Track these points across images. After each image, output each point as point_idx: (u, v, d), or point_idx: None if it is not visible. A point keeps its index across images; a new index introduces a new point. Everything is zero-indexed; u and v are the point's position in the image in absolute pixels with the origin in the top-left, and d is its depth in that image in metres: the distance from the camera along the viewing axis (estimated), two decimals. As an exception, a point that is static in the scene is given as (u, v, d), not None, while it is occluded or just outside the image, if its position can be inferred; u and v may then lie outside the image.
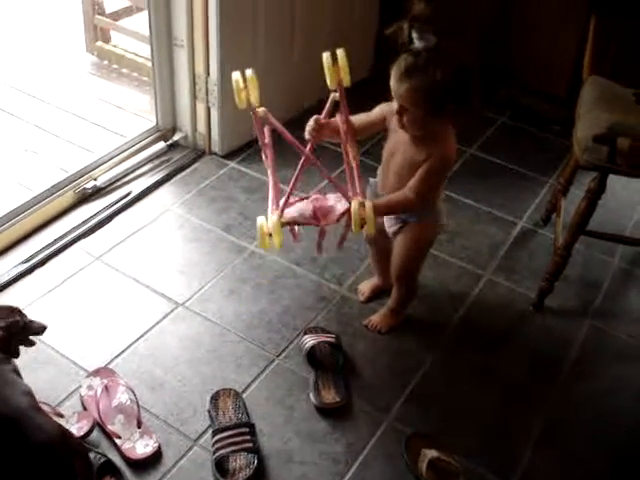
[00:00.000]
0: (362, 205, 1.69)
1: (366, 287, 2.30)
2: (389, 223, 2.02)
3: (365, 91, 2.21)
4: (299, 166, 1.80)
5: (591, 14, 2.32)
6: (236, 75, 1.71)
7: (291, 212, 1.79)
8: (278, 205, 1.77)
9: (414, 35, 1.67)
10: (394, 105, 1.76)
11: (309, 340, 2.07)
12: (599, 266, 2.52)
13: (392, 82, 1.72)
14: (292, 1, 2.82)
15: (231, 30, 2.60)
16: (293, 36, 2.90)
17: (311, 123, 1.83)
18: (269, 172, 1.84)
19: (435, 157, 1.79)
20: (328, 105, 1.83)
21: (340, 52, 1.71)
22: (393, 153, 1.90)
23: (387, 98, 1.79)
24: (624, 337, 2.26)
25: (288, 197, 1.78)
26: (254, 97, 1.74)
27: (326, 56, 1.72)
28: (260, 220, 1.72)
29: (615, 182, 2.23)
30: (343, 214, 1.77)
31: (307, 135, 1.83)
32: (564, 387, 2.09)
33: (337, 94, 1.78)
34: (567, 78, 3.07)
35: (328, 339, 2.09)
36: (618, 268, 2.52)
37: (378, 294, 2.28)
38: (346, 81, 1.74)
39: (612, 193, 2.32)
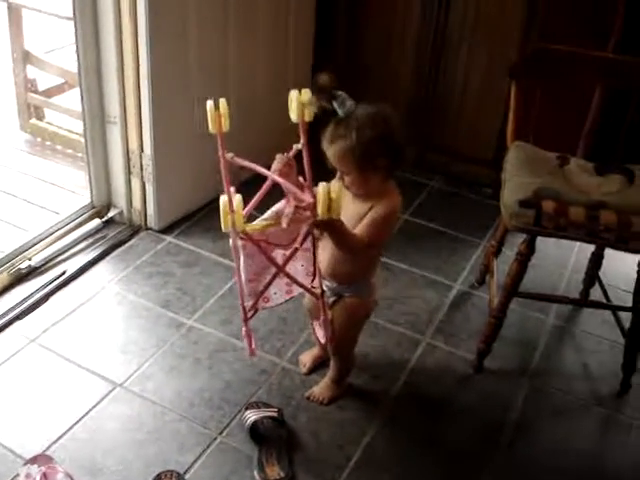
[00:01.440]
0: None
1: (307, 358, 2.30)
2: (327, 293, 2.02)
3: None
4: (263, 187, 1.78)
5: (511, 82, 2.41)
6: (210, 103, 1.73)
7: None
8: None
9: (335, 104, 1.74)
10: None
11: (251, 415, 2.06)
12: (534, 325, 2.57)
13: (324, 148, 1.81)
14: (225, 74, 2.87)
15: (164, 105, 2.63)
16: (229, 106, 2.92)
17: (279, 158, 1.80)
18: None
19: (378, 207, 1.84)
20: (292, 151, 1.79)
21: (306, 92, 1.72)
22: (342, 215, 1.91)
23: (323, 161, 1.84)
24: (562, 394, 2.30)
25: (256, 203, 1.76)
26: (225, 124, 1.75)
27: (294, 92, 1.72)
28: (223, 198, 1.63)
29: (547, 242, 2.30)
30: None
31: (274, 167, 1.79)
32: (508, 450, 2.11)
33: (299, 145, 1.76)
34: (493, 142, 3.17)
35: (270, 413, 2.07)
36: (552, 326, 2.58)
37: (319, 364, 2.28)
38: (308, 115, 1.73)
39: (544, 252, 2.39)
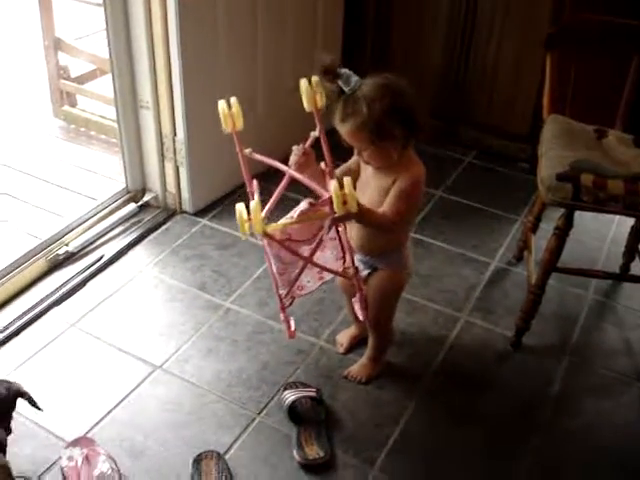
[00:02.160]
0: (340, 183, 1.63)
1: (344, 338, 2.30)
2: (360, 267, 2.02)
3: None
4: (282, 184, 1.82)
5: (546, 53, 2.37)
6: (222, 103, 1.77)
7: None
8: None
9: (340, 82, 1.75)
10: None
11: (290, 395, 2.06)
12: (574, 301, 2.54)
13: (336, 127, 1.81)
14: (254, 58, 2.87)
15: (195, 89, 2.63)
16: (256, 91, 2.93)
17: (295, 150, 1.84)
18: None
19: (402, 179, 1.83)
20: (310, 140, 1.84)
21: (314, 78, 1.75)
22: (364, 189, 1.93)
23: (342, 144, 1.84)
24: (603, 371, 2.27)
25: (274, 202, 1.80)
26: (239, 123, 1.79)
27: (304, 81, 1.75)
28: (239, 206, 1.68)
29: (584, 216, 2.26)
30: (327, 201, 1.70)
31: (292, 160, 1.84)
32: (547, 425, 2.10)
33: (316, 132, 1.80)
34: (529, 116, 3.13)
35: (309, 393, 2.08)
36: (592, 301, 2.55)
37: (356, 344, 2.28)
38: (320, 101, 1.77)
39: (582, 227, 2.35)
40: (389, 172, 1.86)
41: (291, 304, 1.89)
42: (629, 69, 2.56)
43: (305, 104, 1.76)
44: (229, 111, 1.77)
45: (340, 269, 1.89)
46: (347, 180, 1.59)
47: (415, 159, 1.88)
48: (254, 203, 1.63)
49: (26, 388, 1.83)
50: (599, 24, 2.34)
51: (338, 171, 1.93)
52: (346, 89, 1.75)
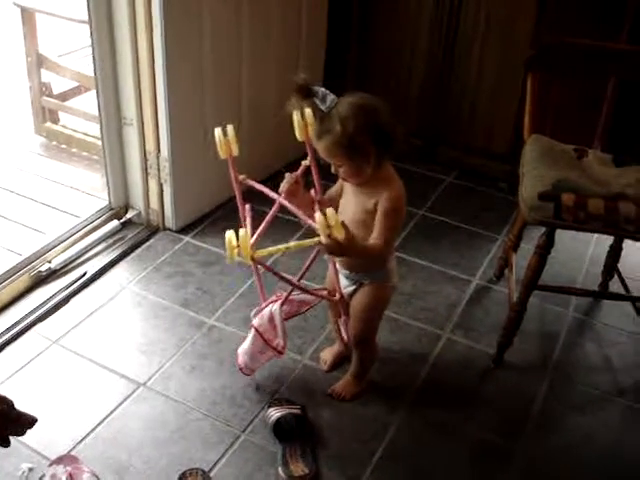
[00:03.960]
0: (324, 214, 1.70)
1: (328, 355, 2.31)
2: (344, 284, 2.06)
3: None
4: (272, 210, 1.91)
5: (527, 75, 2.41)
6: (218, 130, 1.85)
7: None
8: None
9: (316, 101, 1.80)
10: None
11: (274, 413, 2.06)
12: (554, 318, 2.57)
13: (314, 144, 1.86)
14: (239, 75, 2.89)
15: (180, 106, 2.64)
16: (240, 108, 2.95)
17: (287, 177, 1.90)
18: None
19: (383, 199, 1.86)
20: (301, 169, 1.91)
21: (308, 111, 1.82)
22: (347, 208, 1.97)
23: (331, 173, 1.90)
24: (584, 388, 2.30)
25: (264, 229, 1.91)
26: (235, 149, 1.86)
27: (296, 113, 1.82)
28: (228, 233, 1.74)
29: (564, 234, 2.29)
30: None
31: (282, 187, 1.90)
32: (530, 442, 2.11)
33: (307, 161, 1.89)
34: (509, 136, 3.18)
35: (293, 410, 2.08)
36: (572, 319, 2.58)
37: (340, 361, 2.29)
38: (312, 133, 1.84)
39: (560, 245, 2.38)
40: (369, 191, 1.88)
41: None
42: (606, 90, 2.62)
43: (297, 134, 1.84)
44: (224, 138, 1.84)
45: (325, 293, 2.00)
46: (330, 211, 1.65)
47: (394, 176, 1.91)
48: (243, 232, 1.70)
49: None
50: (577, 47, 2.38)
51: (326, 195, 1.99)
52: (322, 107, 1.79)
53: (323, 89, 1.79)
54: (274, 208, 1.91)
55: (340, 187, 2.01)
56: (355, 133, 1.77)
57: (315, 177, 1.88)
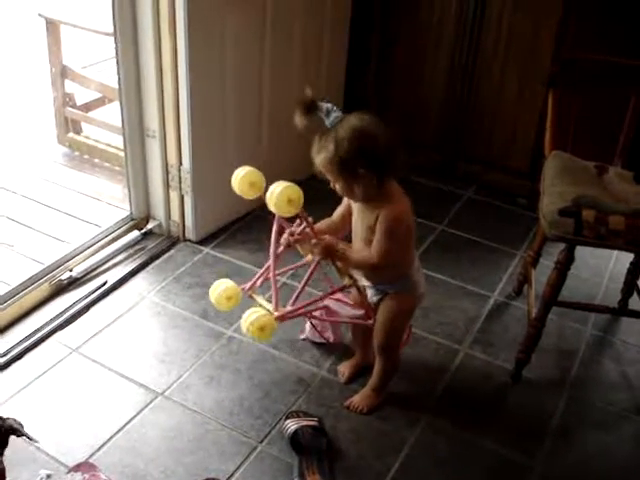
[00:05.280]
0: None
1: (346, 367, 2.31)
2: (371, 293, 2.09)
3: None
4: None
5: (548, 91, 2.41)
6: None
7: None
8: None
9: (321, 115, 1.84)
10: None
11: (291, 425, 2.07)
12: (573, 335, 2.56)
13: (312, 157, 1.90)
14: (260, 90, 2.91)
15: (202, 119, 2.66)
16: (261, 123, 2.97)
17: (286, 237, 1.99)
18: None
19: (382, 218, 1.89)
20: (301, 228, 1.97)
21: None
22: (356, 226, 2.02)
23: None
24: (602, 405, 2.29)
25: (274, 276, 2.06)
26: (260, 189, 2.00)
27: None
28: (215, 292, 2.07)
29: (583, 251, 2.29)
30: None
31: (283, 239, 2.00)
32: (548, 458, 2.10)
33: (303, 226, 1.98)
34: (529, 152, 3.18)
35: (310, 422, 2.08)
36: (591, 336, 2.57)
37: (358, 374, 2.30)
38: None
39: (581, 262, 2.38)
40: (372, 208, 1.92)
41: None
42: (628, 107, 2.61)
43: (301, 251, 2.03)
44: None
45: (358, 314, 2.14)
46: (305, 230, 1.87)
47: (398, 194, 1.93)
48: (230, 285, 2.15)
49: (20, 423, 1.77)
50: (598, 63, 2.39)
51: (333, 216, 2.08)
52: (326, 122, 1.83)
53: (329, 105, 1.83)
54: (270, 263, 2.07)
55: (347, 206, 2.05)
56: (347, 156, 1.81)
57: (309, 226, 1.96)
